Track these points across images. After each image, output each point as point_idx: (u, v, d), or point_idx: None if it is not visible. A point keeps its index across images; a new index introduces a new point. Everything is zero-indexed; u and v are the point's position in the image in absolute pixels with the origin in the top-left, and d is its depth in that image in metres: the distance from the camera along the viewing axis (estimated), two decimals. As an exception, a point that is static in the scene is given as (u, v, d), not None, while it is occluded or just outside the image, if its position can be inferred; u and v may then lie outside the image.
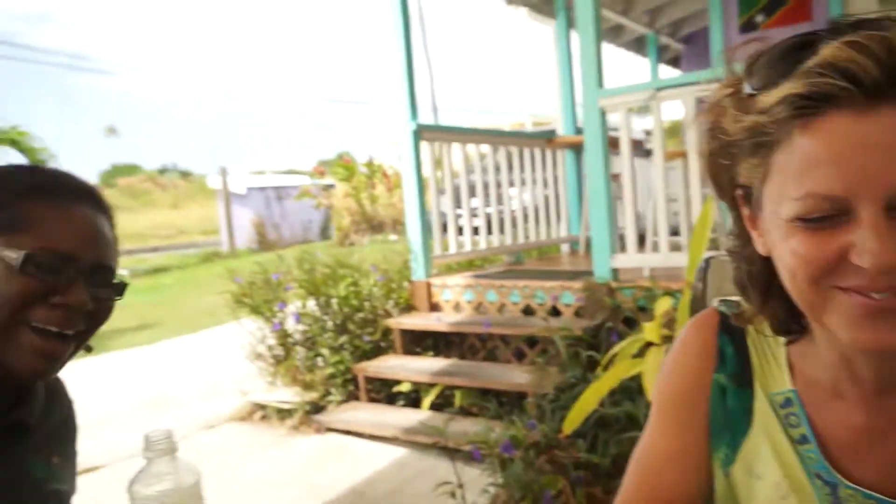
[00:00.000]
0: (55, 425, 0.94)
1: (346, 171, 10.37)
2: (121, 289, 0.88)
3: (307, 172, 16.19)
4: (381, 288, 4.34)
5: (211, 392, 5.01)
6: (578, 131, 5.39)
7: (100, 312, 0.85)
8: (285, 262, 4.37)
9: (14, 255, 0.76)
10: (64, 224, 0.81)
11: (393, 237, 11.26)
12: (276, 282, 4.21)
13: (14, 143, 6.80)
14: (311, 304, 4.31)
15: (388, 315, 4.36)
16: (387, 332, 4.32)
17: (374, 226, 11.63)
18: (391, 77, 4.33)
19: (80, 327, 0.82)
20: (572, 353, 3.18)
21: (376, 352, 4.29)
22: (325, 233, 13.42)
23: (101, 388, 5.17)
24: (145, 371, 5.95)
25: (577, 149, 5.54)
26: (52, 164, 8.62)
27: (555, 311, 3.91)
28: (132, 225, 22.67)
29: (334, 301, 4.23)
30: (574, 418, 2.14)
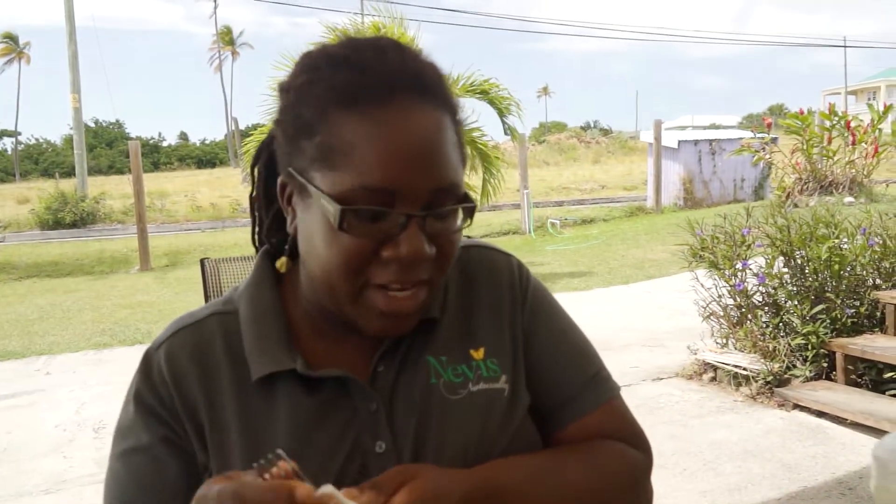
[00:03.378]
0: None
1: (801, 122, 9.16)
2: (470, 212, 0.70)
3: (739, 126, 14.97)
4: (871, 254, 3.66)
5: (651, 344, 5.02)
6: None
7: (446, 248, 0.69)
8: (752, 218, 4.00)
9: (331, 210, 0.64)
10: (383, 144, 0.64)
11: (848, 199, 9.66)
12: (742, 238, 3.89)
13: (484, 94, 7.68)
14: (778, 265, 3.88)
15: (878, 287, 3.66)
16: (874, 306, 3.65)
17: (824, 186, 10.14)
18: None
19: (424, 276, 0.68)
20: None
21: (858, 328, 3.67)
22: (758, 192, 12.28)
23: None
24: (582, 315, 6.28)
25: None
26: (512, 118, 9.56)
27: None
28: (558, 178, 24.45)
29: (808, 265, 3.72)
30: None
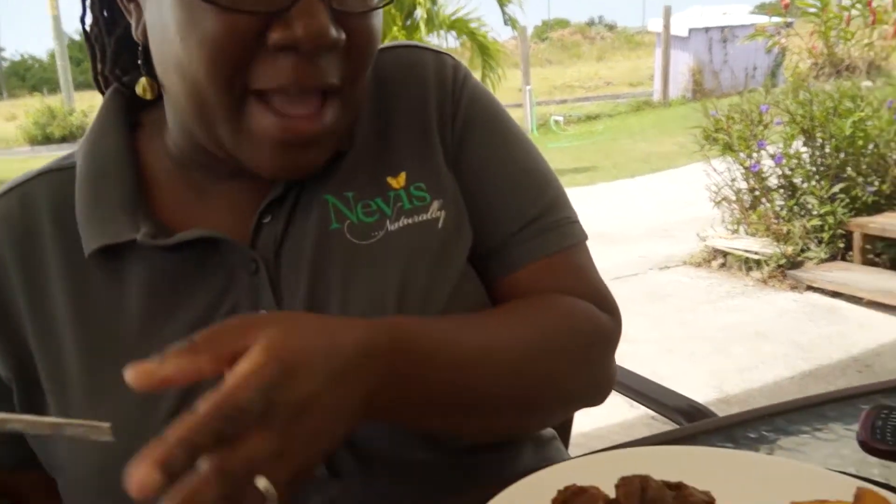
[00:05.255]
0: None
1: (819, 1, 8.62)
2: None
3: (755, 11, 14.28)
4: (896, 128, 3.44)
5: (659, 234, 4.87)
6: None
7: (361, 34, 0.49)
8: (772, 95, 3.76)
9: None
10: None
11: (866, 84, 9.26)
12: (760, 116, 3.65)
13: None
14: (797, 146, 3.67)
15: (902, 163, 3.46)
16: (897, 184, 3.46)
17: (840, 70, 9.70)
18: None
19: (332, 78, 0.48)
20: None
21: (878, 207, 3.50)
22: (771, 81, 11.79)
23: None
24: (585, 210, 6.12)
25: None
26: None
27: None
28: (561, 76, 23.62)
29: (829, 142, 3.51)
30: None
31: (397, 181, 0.58)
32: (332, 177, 0.57)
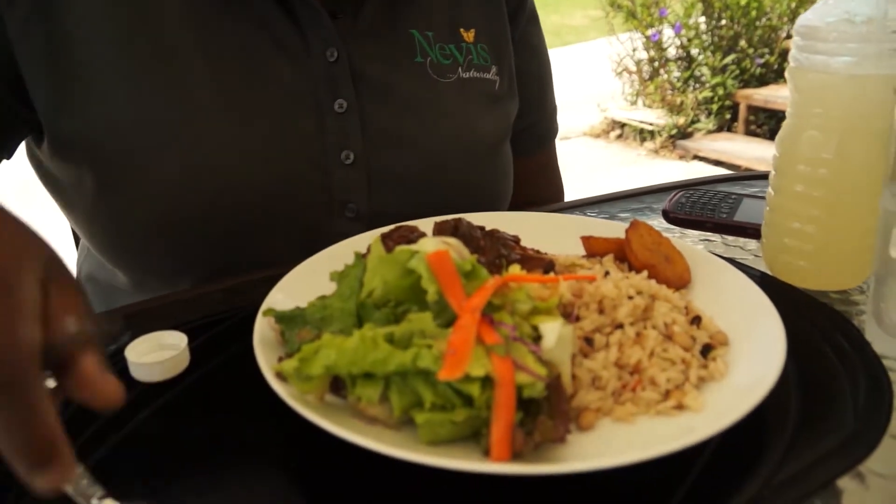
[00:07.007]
0: None
1: None
2: None
3: None
4: (788, 1, 3.54)
5: (563, 106, 4.90)
6: None
7: None
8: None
9: None
10: None
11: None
12: (663, -19, 3.66)
13: None
14: (697, 19, 3.73)
15: (791, 37, 3.60)
16: (784, 56, 3.61)
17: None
18: None
19: None
20: None
21: (765, 79, 3.66)
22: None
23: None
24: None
25: None
26: None
27: None
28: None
29: (725, 13, 3.58)
30: None
31: (468, 35, 0.65)
32: (414, 13, 0.62)
